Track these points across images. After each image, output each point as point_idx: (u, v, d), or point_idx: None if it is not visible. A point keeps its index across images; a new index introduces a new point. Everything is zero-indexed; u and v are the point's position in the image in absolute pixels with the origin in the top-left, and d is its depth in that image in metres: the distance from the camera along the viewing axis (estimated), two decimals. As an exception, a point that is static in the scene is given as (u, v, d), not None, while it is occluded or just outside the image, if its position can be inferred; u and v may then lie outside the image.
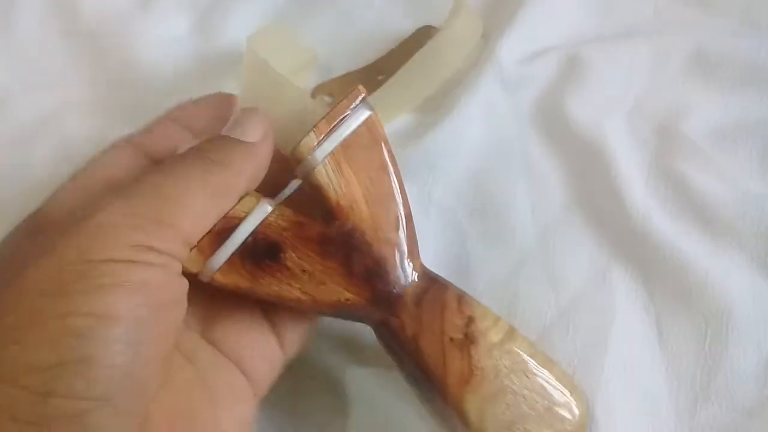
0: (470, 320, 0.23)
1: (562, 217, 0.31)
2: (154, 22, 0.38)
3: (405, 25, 0.38)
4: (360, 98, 0.23)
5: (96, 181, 0.24)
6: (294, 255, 0.22)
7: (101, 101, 0.36)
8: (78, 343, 0.18)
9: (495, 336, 0.23)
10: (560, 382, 0.24)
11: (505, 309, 0.29)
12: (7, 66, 0.37)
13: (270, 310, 0.24)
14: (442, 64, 0.34)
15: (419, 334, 0.22)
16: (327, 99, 0.36)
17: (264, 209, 0.22)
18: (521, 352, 0.23)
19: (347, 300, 0.22)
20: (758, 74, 0.33)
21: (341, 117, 0.23)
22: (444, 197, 0.32)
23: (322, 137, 0.23)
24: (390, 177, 0.23)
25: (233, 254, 0.22)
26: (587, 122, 0.33)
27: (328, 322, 0.26)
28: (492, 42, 0.35)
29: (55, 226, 0.21)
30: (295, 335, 0.25)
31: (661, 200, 0.31)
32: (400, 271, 0.23)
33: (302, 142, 0.23)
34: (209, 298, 0.23)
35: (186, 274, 0.21)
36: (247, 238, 0.22)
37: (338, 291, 0.22)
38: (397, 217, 0.23)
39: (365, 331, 0.25)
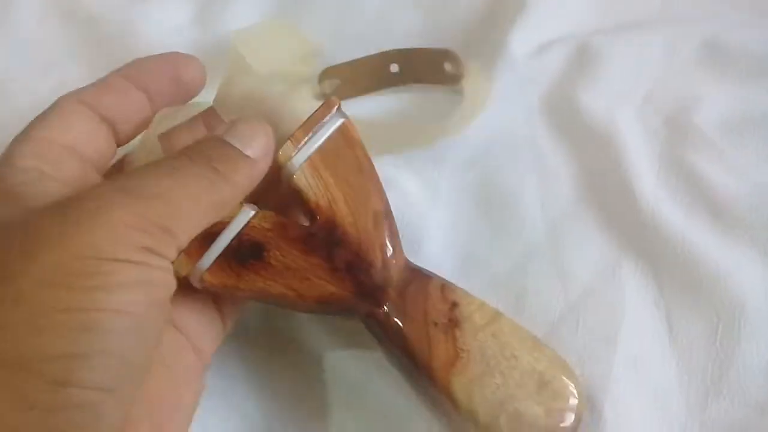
0: (454, 305, 0.23)
1: (572, 211, 0.31)
2: (154, 10, 0.38)
3: (412, 16, 0.37)
4: (335, 108, 0.24)
5: (57, 147, 0.23)
6: (278, 253, 0.23)
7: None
8: (93, 337, 0.19)
9: (480, 319, 0.23)
10: (551, 363, 0.24)
11: (513, 303, 0.29)
12: (7, 51, 0.37)
13: None
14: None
15: (404, 323, 0.23)
16: (336, 82, 0.35)
17: (247, 213, 0.23)
18: (508, 334, 0.23)
19: (331, 294, 0.23)
20: (770, 65, 0.33)
21: (317, 125, 0.24)
22: (451, 190, 0.32)
23: (299, 145, 0.24)
24: (367, 178, 0.24)
25: (219, 256, 0.23)
26: (597, 114, 0.32)
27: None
28: (501, 33, 0.35)
29: (16, 197, 0.21)
30: (235, 309, 0.26)
31: (671, 193, 0.30)
32: (381, 264, 0.23)
33: (281, 150, 0.24)
34: None
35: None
36: (231, 240, 0.23)
37: (322, 285, 0.23)
38: (376, 214, 0.24)
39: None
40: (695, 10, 0.36)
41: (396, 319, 0.23)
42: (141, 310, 0.20)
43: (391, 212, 0.25)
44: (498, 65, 0.34)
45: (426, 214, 0.31)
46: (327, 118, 0.24)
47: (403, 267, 0.24)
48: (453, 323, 0.23)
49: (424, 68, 0.35)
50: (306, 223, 0.24)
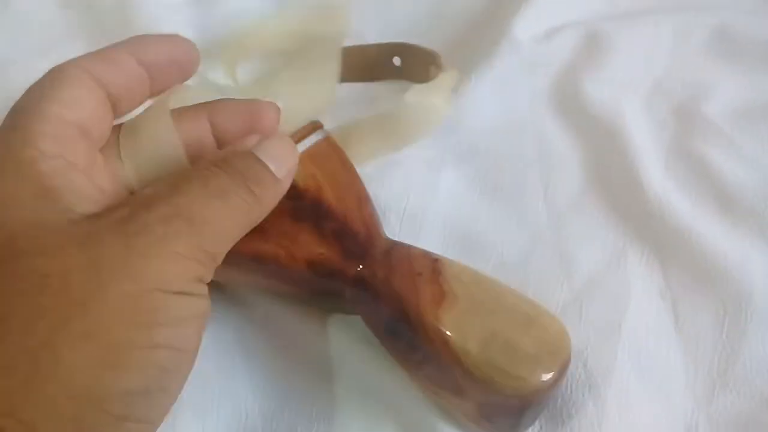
0: (436, 261, 0.24)
1: (577, 200, 0.30)
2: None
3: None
4: (319, 129, 0.28)
5: (72, 129, 0.22)
6: (269, 220, 0.23)
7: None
8: (161, 375, 0.19)
9: (461, 273, 0.24)
10: (535, 305, 0.24)
11: (516, 293, 0.28)
12: (5, 34, 0.36)
13: None
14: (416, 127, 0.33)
15: (390, 275, 0.24)
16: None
17: None
18: (490, 283, 0.24)
19: (320, 254, 0.24)
20: (781, 54, 0.32)
21: (303, 136, 0.27)
22: (454, 177, 0.31)
23: None
24: (349, 174, 0.27)
25: None
26: (605, 102, 0.32)
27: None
28: (507, 19, 0.34)
29: (51, 193, 0.20)
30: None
31: (679, 182, 0.30)
32: (365, 235, 0.25)
33: None
34: None
35: None
36: None
37: (312, 246, 0.24)
38: (360, 198, 0.26)
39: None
40: (705, -2, 0.35)
41: (382, 273, 0.24)
42: (193, 345, 0.20)
43: (372, 202, 0.26)
44: (503, 51, 0.33)
45: (428, 201, 0.31)
46: (311, 132, 0.27)
47: (385, 239, 0.26)
48: (436, 273, 0.24)
49: (417, 67, 0.34)
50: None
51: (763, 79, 0.32)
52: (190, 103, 0.26)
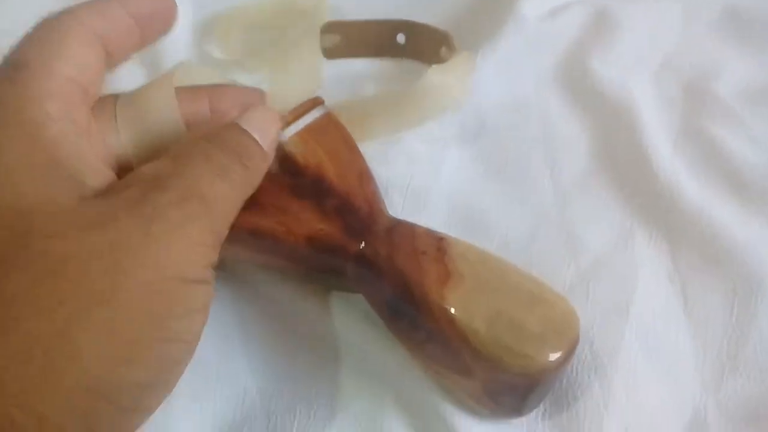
0: (441, 239, 0.24)
1: (583, 179, 0.30)
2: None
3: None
4: (318, 104, 0.26)
5: (75, 88, 0.21)
6: (268, 195, 0.24)
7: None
8: (167, 367, 0.19)
9: (467, 251, 0.24)
10: (540, 284, 0.23)
11: (521, 273, 0.27)
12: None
13: None
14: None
15: (393, 253, 0.23)
16: (336, 38, 0.34)
17: None
18: (496, 261, 0.24)
19: (320, 230, 0.24)
20: (794, 33, 0.32)
21: (303, 113, 0.26)
22: (458, 156, 0.31)
23: (287, 123, 0.25)
24: (352, 152, 0.26)
25: None
26: (612, 81, 0.31)
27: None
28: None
29: (63, 165, 0.19)
30: None
31: (689, 163, 0.29)
32: (367, 211, 0.24)
33: None
34: None
35: None
36: None
37: (311, 222, 0.24)
38: (361, 174, 0.25)
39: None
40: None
41: (385, 251, 0.23)
42: (198, 336, 0.20)
43: (374, 179, 0.26)
44: (509, 29, 0.32)
45: (432, 180, 0.30)
46: (312, 108, 0.26)
47: (388, 216, 0.25)
48: (441, 252, 0.23)
49: (424, 46, 0.34)
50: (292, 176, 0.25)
51: (774, 58, 0.31)
52: (195, 81, 0.26)
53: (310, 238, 0.24)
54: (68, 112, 0.20)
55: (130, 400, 0.18)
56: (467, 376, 0.23)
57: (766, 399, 0.25)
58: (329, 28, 0.34)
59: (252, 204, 0.23)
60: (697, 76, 0.31)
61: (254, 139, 0.22)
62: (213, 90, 0.26)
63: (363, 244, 0.24)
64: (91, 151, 0.21)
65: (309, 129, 0.26)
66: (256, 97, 0.26)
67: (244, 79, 0.31)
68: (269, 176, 0.24)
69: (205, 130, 0.22)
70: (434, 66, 0.30)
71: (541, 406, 0.25)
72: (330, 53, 0.34)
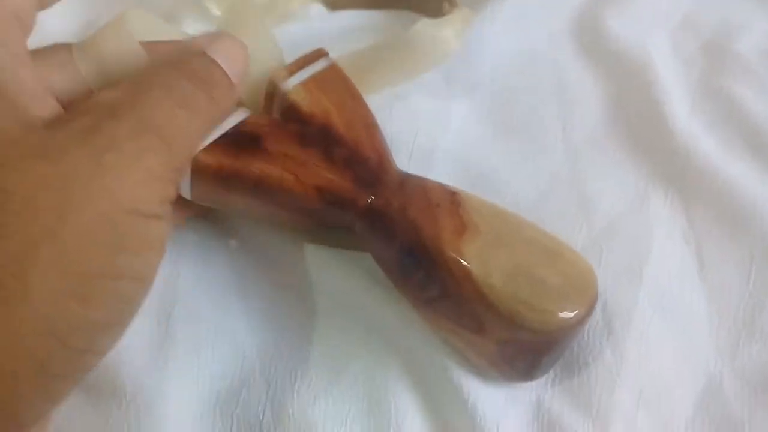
0: (454, 194, 0.23)
1: (596, 138, 0.28)
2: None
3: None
4: (322, 55, 0.25)
5: (5, 10, 0.20)
6: (275, 142, 0.23)
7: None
8: (125, 307, 0.18)
9: (480, 204, 0.23)
10: (557, 241, 0.23)
11: (530, 235, 0.26)
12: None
13: None
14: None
15: (406, 205, 0.22)
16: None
17: (243, 113, 0.23)
18: (511, 215, 0.23)
19: (330, 180, 0.23)
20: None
21: (307, 64, 0.25)
22: (466, 112, 0.29)
23: (291, 73, 0.24)
24: (356, 101, 0.25)
25: (215, 141, 0.22)
26: (629, 37, 0.30)
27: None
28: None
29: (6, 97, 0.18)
30: None
31: (707, 122, 0.28)
32: (377, 162, 0.23)
33: (273, 77, 0.24)
34: None
35: None
36: (229, 130, 0.22)
37: (320, 172, 0.23)
38: (368, 125, 0.24)
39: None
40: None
41: (398, 203, 0.23)
42: (153, 275, 0.19)
43: (383, 133, 0.25)
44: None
45: (438, 137, 0.29)
46: (316, 59, 0.25)
47: (397, 169, 0.24)
48: (455, 204, 0.22)
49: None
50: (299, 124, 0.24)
51: (798, 16, 0.30)
52: (143, 30, 0.24)
53: (319, 188, 0.22)
54: (4, 38, 0.19)
55: (83, 340, 0.18)
56: (481, 335, 0.22)
57: (782, 366, 0.24)
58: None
59: (258, 150, 0.22)
60: (718, 33, 0.30)
61: (222, 69, 0.21)
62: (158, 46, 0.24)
63: (373, 197, 0.23)
64: (33, 81, 0.19)
65: (313, 79, 0.24)
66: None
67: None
68: (275, 123, 0.23)
69: (167, 54, 0.21)
70: (425, 19, 0.29)
71: (551, 371, 0.24)
72: (333, 4, 0.33)
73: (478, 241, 0.21)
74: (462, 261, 0.21)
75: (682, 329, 0.25)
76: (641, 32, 0.30)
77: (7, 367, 0.16)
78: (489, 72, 0.30)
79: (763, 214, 0.26)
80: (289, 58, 0.25)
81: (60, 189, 0.17)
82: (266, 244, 0.26)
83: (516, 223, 0.22)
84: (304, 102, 0.24)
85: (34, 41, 0.21)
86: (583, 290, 0.21)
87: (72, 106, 0.19)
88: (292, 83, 0.24)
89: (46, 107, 0.19)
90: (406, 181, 0.23)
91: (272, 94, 0.24)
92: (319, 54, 0.25)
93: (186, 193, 0.23)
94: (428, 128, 0.29)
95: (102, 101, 0.19)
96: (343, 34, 0.31)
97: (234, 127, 0.22)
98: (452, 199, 0.23)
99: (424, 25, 0.29)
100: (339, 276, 0.25)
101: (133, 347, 0.25)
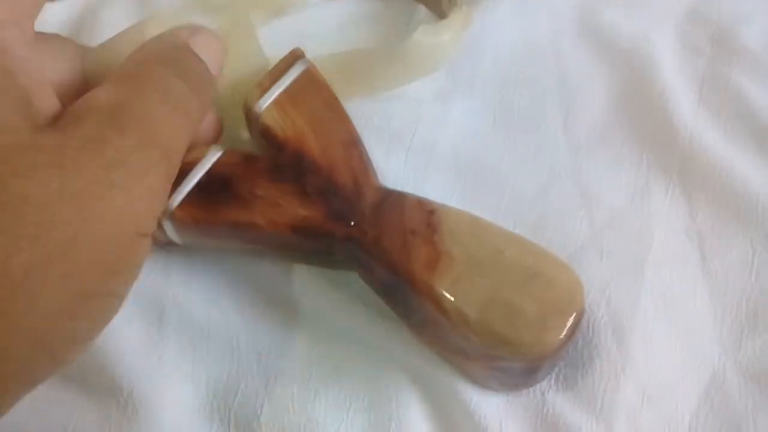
0: (431, 212, 0.23)
1: (598, 130, 0.28)
2: None
3: None
4: (299, 57, 0.25)
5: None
6: (246, 184, 0.23)
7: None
8: (103, 323, 0.19)
9: (458, 223, 0.23)
10: (539, 256, 0.22)
11: (531, 229, 0.26)
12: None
13: None
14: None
15: (380, 236, 0.22)
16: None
17: (215, 152, 0.23)
18: (489, 233, 0.23)
19: (304, 218, 0.23)
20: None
21: (282, 73, 0.24)
22: (465, 104, 0.29)
23: (264, 90, 0.24)
24: (333, 113, 0.25)
25: (189, 192, 0.23)
26: (633, 27, 0.29)
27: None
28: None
29: (22, 98, 0.18)
30: None
31: (712, 115, 0.28)
32: (353, 188, 0.23)
33: (248, 96, 0.24)
34: None
35: None
36: (201, 177, 0.23)
37: (293, 210, 0.23)
38: (345, 142, 0.24)
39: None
40: None
41: (372, 234, 0.22)
42: (128, 293, 0.19)
43: (361, 143, 0.25)
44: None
45: (437, 131, 0.28)
46: (292, 66, 0.25)
47: (377, 189, 0.24)
48: (431, 229, 0.22)
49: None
50: (272, 153, 0.24)
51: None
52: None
53: (294, 227, 0.23)
54: (17, 19, 0.18)
55: (64, 353, 0.18)
56: (468, 359, 0.22)
57: (787, 361, 0.24)
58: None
59: (230, 197, 0.22)
60: (726, 24, 0.29)
61: (205, 65, 0.21)
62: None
63: (350, 226, 0.23)
64: (40, 71, 0.19)
65: (287, 93, 0.24)
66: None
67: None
68: (245, 160, 0.23)
69: (154, 47, 0.21)
70: (423, 27, 0.28)
71: (556, 366, 0.24)
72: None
73: (452, 272, 0.21)
74: (436, 294, 0.21)
75: (685, 324, 0.25)
76: (646, 23, 0.30)
77: None
78: (490, 64, 0.30)
79: (766, 207, 0.26)
80: (289, 47, 0.25)
81: (74, 204, 0.16)
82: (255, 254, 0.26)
83: (495, 243, 0.22)
84: (277, 126, 0.24)
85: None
86: (564, 312, 0.21)
87: (71, 107, 0.18)
88: (264, 104, 0.24)
89: (46, 100, 0.18)
90: (384, 203, 0.23)
91: (248, 114, 0.24)
92: (294, 57, 0.25)
93: (177, 240, 0.24)
94: (428, 121, 0.28)
95: (100, 102, 0.18)
96: (342, 24, 0.31)
97: (206, 173, 0.23)
98: (428, 221, 0.22)
99: (422, 34, 0.28)
100: (335, 288, 0.25)
101: (128, 347, 0.24)
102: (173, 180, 0.20)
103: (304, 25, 0.31)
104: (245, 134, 0.26)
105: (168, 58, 0.20)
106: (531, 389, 0.23)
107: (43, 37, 0.21)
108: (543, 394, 0.23)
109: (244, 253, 0.26)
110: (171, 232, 0.23)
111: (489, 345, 0.21)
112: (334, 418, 0.24)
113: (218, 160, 0.23)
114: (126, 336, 0.25)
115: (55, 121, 0.18)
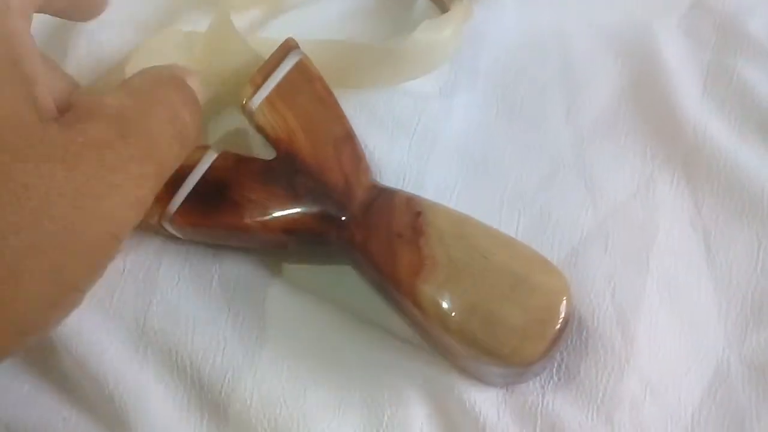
0: (418, 214, 0.23)
1: (602, 121, 0.28)
2: None
3: None
4: (291, 48, 0.25)
5: None
6: (239, 188, 0.23)
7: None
8: (67, 315, 0.19)
9: (446, 224, 0.23)
10: (528, 260, 0.22)
11: (535, 221, 0.26)
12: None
13: None
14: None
15: (368, 239, 0.23)
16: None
17: (211, 156, 0.24)
18: (477, 235, 0.23)
19: (295, 221, 0.23)
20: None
21: (273, 67, 0.25)
22: (468, 94, 0.29)
23: (257, 87, 0.24)
24: (326, 108, 0.25)
25: (186, 201, 0.23)
26: (638, 16, 0.29)
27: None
28: None
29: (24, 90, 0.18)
30: None
31: (718, 106, 0.27)
32: (344, 187, 0.24)
33: (240, 94, 0.25)
34: None
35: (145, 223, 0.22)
36: (197, 182, 0.23)
37: (285, 213, 0.23)
38: (337, 140, 0.24)
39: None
40: None
41: (360, 236, 0.23)
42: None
43: (355, 137, 0.25)
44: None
45: (440, 122, 0.28)
46: (283, 58, 0.25)
47: (368, 187, 0.24)
48: (417, 232, 0.22)
49: None
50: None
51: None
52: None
53: (286, 230, 0.23)
54: (26, 8, 0.18)
55: (36, 337, 0.18)
56: (458, 359, 0.22)
57: (792, 354, 0.23)
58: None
59: (224, 203, 0.23)
60: (732, 14, 0.29)
61: (192, 92, 0.22)
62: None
63: (340, 225, 0.23)
64: (40, 60, 0.19)
65: (279, 90, 0.24)
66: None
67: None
68: (239, 163, 0.24)
69: (162, 72, 0.22)
70: (425, 23, 0.28)
71: (558, 356, 0.23)
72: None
73: (437, 277, 0.21)
74: (418, 300, 0.21)
75: (690, 316, 0.24)
76: (650, 14, 0.29)
77: None
78: (493, 56, 0.29)
79: (772, 200, 0.25)
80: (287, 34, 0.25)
81: (73, 199, 0.17)
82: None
83: (482, 247, 0.22)
84: (268, 125, 0.24)
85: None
86: (547, 321, 0.21)
87: (77, 106, 0.19)
88: (256, 103, 0.24)
89: (51, 98, 0.19)
90: (373, 203, 0.23)
91: (243, 110, 0.25)
92: (287, 48, 0.25)
93: (180, 235, 0.24)
94: (432, 111, 0.28)
95: (110, 109, 0.19)
96: (342, 17, 0.31)
97: (201, 178, 0.23)
98: (415, 224, 0.22)
99: (423, 32, 0.27)
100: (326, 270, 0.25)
101: (114, 339, 0.24)
102: (158, 189, 0.20)
103: (304, 17, 0.30)
104: (239, 125, 0.26)
105: (177, 85, 0.21)
106: (531, 382, 0.23)
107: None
108: (543, 386, 0.23)
109: (239, 249, 0.26)
110: (173, 231, 0.24)
111: (470, 353, 0.21)
112: (326, 410, 0.23)
113: (212, 164, 0.24)
114: (112, 329, 0.24)
115: (59, 116, 0.18)
